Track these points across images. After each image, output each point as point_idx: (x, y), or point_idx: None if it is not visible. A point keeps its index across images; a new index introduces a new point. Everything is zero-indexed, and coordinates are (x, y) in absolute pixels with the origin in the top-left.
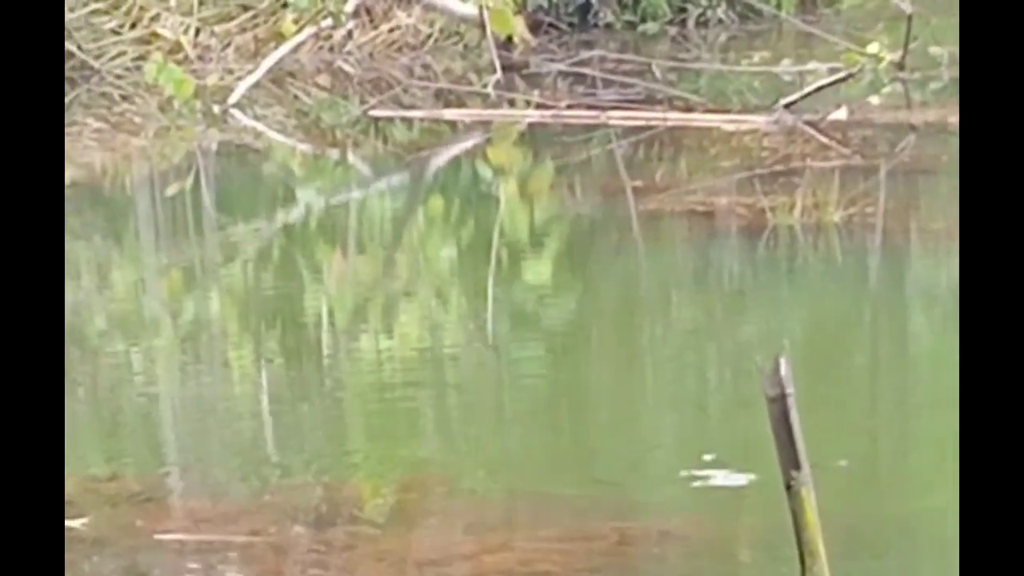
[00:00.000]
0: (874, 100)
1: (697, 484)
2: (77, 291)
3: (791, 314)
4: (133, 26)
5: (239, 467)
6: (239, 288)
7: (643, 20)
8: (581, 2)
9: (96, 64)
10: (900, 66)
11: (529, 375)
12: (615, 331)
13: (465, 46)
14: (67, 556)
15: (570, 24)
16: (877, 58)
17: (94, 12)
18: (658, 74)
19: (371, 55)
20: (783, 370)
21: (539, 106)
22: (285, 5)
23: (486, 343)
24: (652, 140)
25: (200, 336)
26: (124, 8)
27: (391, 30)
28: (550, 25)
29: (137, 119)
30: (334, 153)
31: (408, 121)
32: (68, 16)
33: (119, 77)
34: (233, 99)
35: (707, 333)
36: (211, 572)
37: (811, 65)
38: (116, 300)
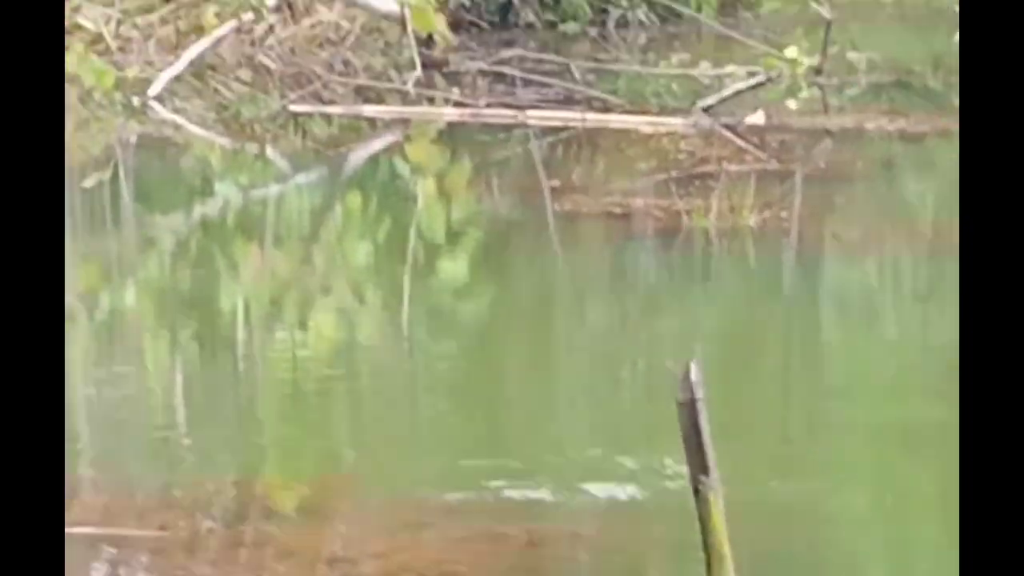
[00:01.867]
0: (791, 105)
1: (608, 487)
2: None
3: (705, 318)
4: None
5: (151, 462)
6: (156, 281)
7: (564, 20)
8: (502, 1)
9: None
10: (818, 71)
11: (446, 375)
12: (531, 332)
13: (386, 43)
14: None
15: (491, 23)
16: (795, 63)
17: None
18: (577, 74)
19: (292, 50)
20: (694, 375)
21: (458, 104)
22: None
23: (403, 343)
24: (570, 140)
25: (115, 330)
26: None
27: (312, 25)
28: (471, 23)
29: None
30: (253, 147)
31: (327, 117)
32: None
33: None
34: (153, 91)
35: (621, 337)
36: (120, 566)
37: (729, 68)
38: None
